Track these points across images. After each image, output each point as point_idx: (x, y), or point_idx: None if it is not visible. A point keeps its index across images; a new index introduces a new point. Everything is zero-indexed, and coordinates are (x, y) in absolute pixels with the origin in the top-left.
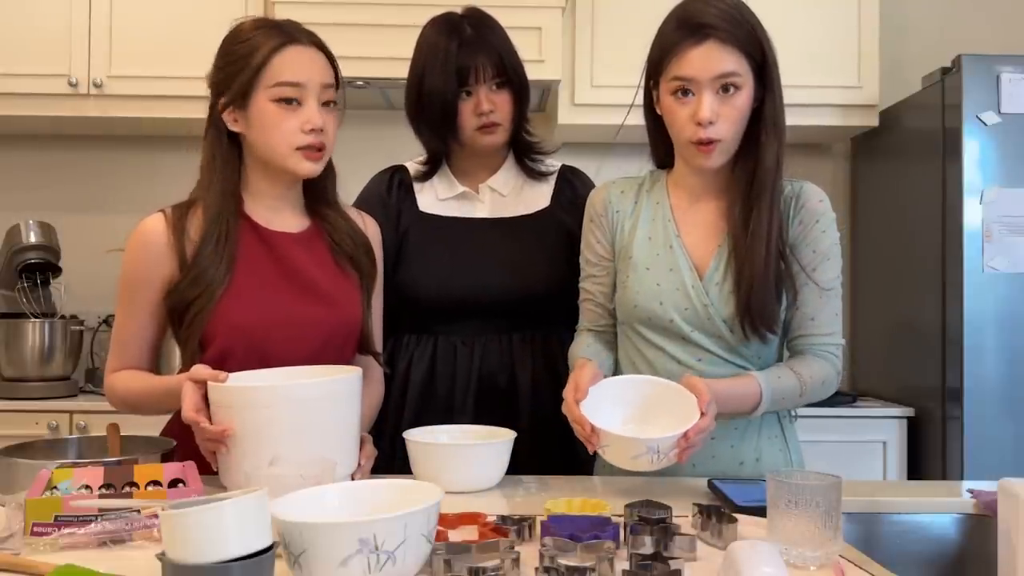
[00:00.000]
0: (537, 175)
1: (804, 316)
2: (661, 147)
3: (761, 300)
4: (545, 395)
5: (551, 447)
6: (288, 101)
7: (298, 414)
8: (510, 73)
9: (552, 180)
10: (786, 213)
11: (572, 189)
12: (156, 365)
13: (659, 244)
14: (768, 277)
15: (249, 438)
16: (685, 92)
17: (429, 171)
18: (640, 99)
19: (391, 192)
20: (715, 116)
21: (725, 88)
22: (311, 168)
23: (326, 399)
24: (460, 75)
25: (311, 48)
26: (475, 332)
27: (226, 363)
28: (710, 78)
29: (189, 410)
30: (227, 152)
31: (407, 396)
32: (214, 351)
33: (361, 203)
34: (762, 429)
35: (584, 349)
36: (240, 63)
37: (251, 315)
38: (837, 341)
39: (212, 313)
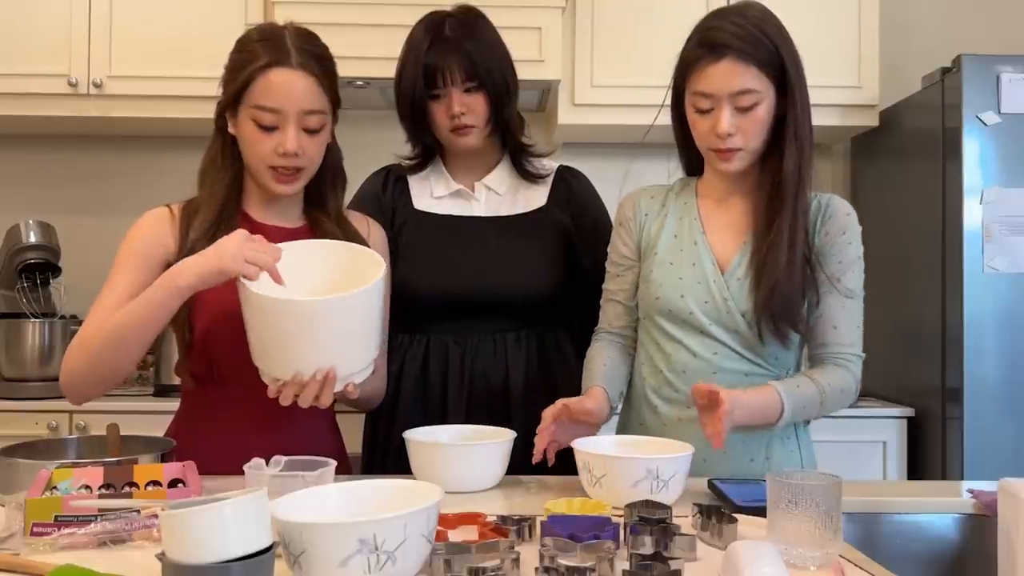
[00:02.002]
0: (533, 177)
1: (827, 325)
2: (691, 154)
3: (783, 301)
4: (539, 395)
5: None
6: (266, 126)
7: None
8: (482, 77)
9: (549, 180)
10: (813, 223)
11: (569, 188)
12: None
13: (684, 240)
14: (792, 280)
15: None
16: (705, 107)
17: (418, 165)
18: (649, 107)
19: (386, 190)
20: (734, 129)
21: (743, 103)
22: (282, 189)
23: (352, 309)
24: (427, 76)
25: (299, 72)
26: (468, 331)
27: (211, 345)
28: (728, 94)
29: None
30: (229, 151)
31: (400, 396)
32: (199, 333)
33: (356, 202)
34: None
35: (600, 367)
36: (234, 73)
37: (234, 302)
38: (857, 352)
39: (200, 294)
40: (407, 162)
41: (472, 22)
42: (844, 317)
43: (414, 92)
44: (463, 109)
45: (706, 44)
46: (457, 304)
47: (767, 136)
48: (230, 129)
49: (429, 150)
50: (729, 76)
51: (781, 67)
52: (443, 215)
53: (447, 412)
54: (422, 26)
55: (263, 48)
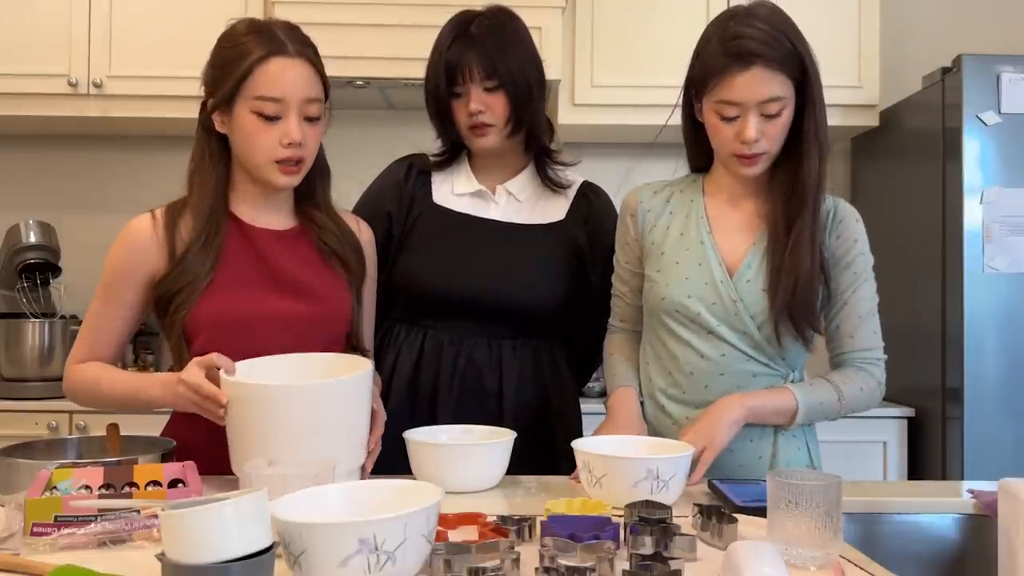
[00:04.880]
0: (555, 186)
1: (844, 334)
2: (700, 153)
3: (804, 303)
4: (529, 402)
5: (532, 454)
6: (268, 116)
7: (308, 413)
8: (503, 76)
9: (571, 195)
10: (824, 226)
11: (589, 206)
12: (122, 361)
13: (690, 240)
14: (812, 281)
15: (255, 433)
16: (732, 115)
17: (444, 162)
18: (649, 107)
19: (408, 179)
20: (759, 135)
21: (770, 111)
22: (287, 181)
23: (339, 398)
24: (448, 73)
25: (298, 60)
26: (465, 333)
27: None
28: (756, 103)
29: (194, 368)
30: (216, 151)
31: (393, 388)
32: (199, 345)
33: (376, 188)
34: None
35: (624, 367)
36: (227, 68)
37: (231, 311)
38: (877, 355)
39: (194, 308)
40: (434, 158)
41: (501, 22)
42: (860, 327)
43: (437, 89)
44: (481, 108)
45: (733, 53)
46: (459, 303)
47: (784, 140)
48: (219, 128)
49: (457, 148)
50: (759, 85)
51: (802, 68)
52: (460, 212)
53: (436, 411)
54: (450, 24)
55: (257, 40)
